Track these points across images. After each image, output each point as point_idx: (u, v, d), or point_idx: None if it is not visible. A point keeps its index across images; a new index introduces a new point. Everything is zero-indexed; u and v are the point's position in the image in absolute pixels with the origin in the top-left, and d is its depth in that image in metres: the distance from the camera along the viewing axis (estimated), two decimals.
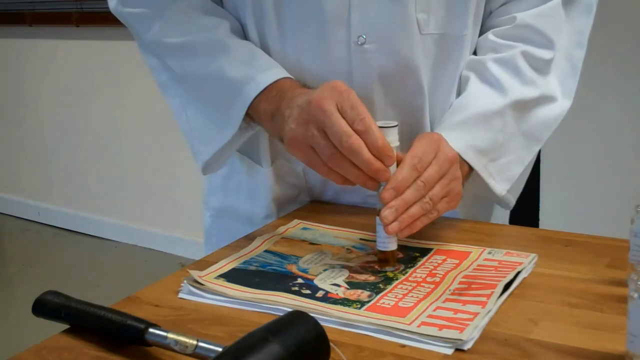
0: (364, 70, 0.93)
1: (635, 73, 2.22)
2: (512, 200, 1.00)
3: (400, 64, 0.94)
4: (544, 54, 0.98)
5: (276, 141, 1.00)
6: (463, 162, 0.91)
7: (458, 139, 0.90)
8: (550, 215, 2.41)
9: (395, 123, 0.82)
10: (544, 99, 0.98)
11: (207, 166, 1.00)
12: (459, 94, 0.99)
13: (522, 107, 0.96)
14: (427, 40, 0.94)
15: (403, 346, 0.67)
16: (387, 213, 0.80)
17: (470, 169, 0.93)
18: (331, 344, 0.65)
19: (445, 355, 0.65)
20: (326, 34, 0.92)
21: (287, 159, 1.03)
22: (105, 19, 3.38)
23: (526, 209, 2.37)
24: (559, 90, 1.00)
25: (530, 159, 0.99)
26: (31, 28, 3.84)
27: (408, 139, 0.88)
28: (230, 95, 0.93)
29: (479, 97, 0.96)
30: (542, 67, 0.98)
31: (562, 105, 1.00)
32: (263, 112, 0.91)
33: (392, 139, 0.82)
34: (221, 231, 1.11)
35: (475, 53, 1.01)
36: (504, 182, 0.96)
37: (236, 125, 0.93)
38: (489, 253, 0.85)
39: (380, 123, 0.82)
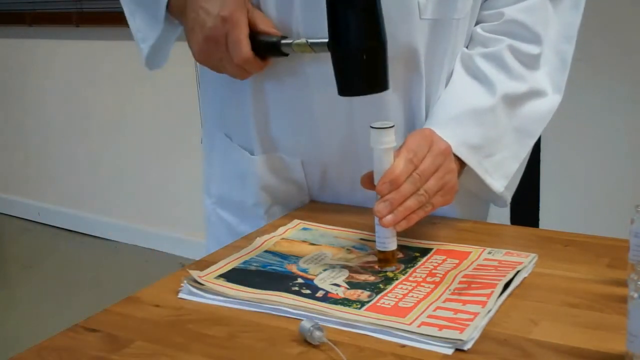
0: None
1: (634, 73, 2.22)
2: (509, 198, 1.00)
3: (401, 49, 0.93)
4: (531, 49, 0.98)
5: (269, 133, 1.02)
6: (456, 158, 0.91)
7: (450, 136, 0.90)
8: (550, 215, 2.41)
9: (392, 124, 0.82)
10: (534, 94, 0.99)
11: (149, 61, 1.08)
12: (447, 84, 1.00)
13: (512, 102, 0.97)
14: (425, 26, 0.94)
15: (403, 346, 0.67)
16: (380, 207, 0.81)
17: (463, 165, 0.93)
18: (331, 344, 0.65)
19: (445, 355, 0.65)
20: None
21: (285, 152, 1.03)
22: (105, 19, 3.38)
23: (526, 209, 2.37)
24: (549, 85, 1.00)
25: (525, 154, 1.00)
26: (31, 28, 3.84)
27: (405, 126, 0.88)
28: None
29: (468, 92, 0.97)
30: (529, 62, 0.99)
31: (552, 99, 1.01)
32: (175, 8, 0.98)
33: (389, 139, 0.82)
34: (218, 219, 1.13)
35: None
36: (502, 178, 0.97)
37: (161, 22, 1.00)
38: (489, 253, 0.85)
39: (377, 124, 0.82)
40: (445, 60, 0.98)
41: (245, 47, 0.91)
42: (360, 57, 0.81)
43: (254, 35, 0.92)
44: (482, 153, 0.94)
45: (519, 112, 0.98)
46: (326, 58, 0.85)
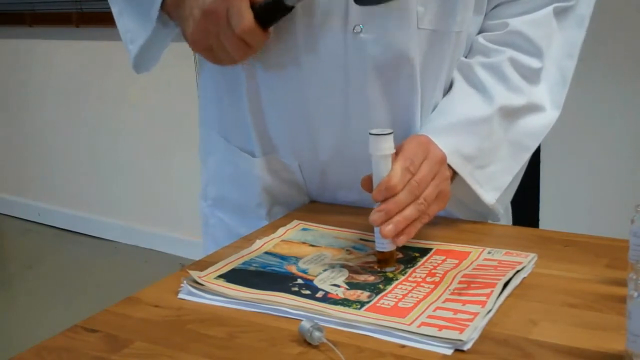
0: (359, 60, 0.93)
1: (634, 74, 2.22)
2: (501, 211, 0.99)
3: (395, 56, 0.93)
4: (532, 62, 0.98)
5: (266, 134, 1.02)
6: (448, 166, 0.91)
7: (443, 143, 0.90)
8: (550, 215, 2.41)
9: (390, 130, 0.82)
10: (531, 108, 0.98)
11: (137, 63, 1.04)
12: (446, 93, 0.99)
13: (509, 114, 0.96)
14: (422, 35, 0.94)
15: (403, 346, 0.67)
16: (376, 216, 0.81)
17: (454, 174, 0.93)
18: (331, 344, 0.65)
19: (445, 356, 0.65)
20: (324, 22, 0.92)
21: (283, 155, 1.03)
22: (105, 19, 3.38)
23: (526, 209, 2.37)
24: (547, 101, 1.00)
25: (519, 168, 0.99)
26: (31, 28, 3.84)
27: (398, 133, 0.88)
28: None
29: (466, 102, 0.96)
30: (530, 75, 0.98)
31: (550, 115, 1.00)
32: (171, 3, 0.95)
33: (388, 146, 0.82)
34: (218, 220, 1.13)
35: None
36: (493, 191, 0.96)
37: (153, 21, 0.97)
38: (489, 253, 0.86)
39: (375, 130, 0.82)
40: (442, 70, 0.97)
41: (247, 15, 0.86)
42: None
43: (253, 5, 0.89)
44: (474, 164, 0.94)
45: (516, 125, 0.97)
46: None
